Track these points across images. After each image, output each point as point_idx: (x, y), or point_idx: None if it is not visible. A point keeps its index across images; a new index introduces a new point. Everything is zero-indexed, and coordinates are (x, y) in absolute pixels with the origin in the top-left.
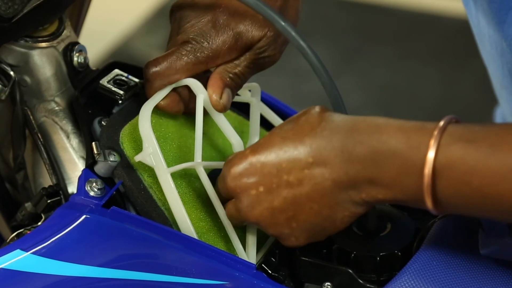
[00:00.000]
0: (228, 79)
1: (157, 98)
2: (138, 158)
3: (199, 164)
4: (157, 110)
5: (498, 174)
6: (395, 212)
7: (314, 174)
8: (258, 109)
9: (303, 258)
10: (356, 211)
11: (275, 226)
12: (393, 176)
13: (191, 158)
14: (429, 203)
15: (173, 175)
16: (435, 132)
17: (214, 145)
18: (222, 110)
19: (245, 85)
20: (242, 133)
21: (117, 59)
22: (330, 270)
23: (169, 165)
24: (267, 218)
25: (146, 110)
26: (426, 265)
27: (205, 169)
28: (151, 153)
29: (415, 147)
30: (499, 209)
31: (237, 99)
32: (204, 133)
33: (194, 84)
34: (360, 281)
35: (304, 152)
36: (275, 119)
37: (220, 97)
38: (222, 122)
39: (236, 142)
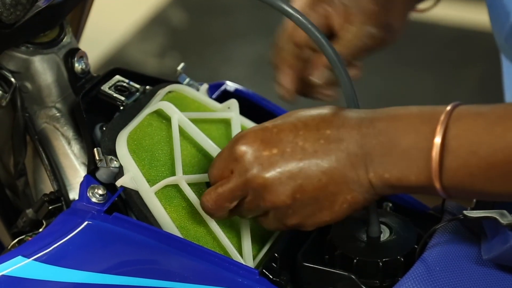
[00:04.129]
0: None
1: (133, 124)
2: (119, 183)
3: (181, 178)
4: (160, 113)
5: (505, 141)
6: (397, 217)
7: (329, 146)
8: (238, 123)
9: (306, 264)
10: (358, 198)
11: (280, 195)
12: (404, 150)
13: (191, 162)
14: (437, 184)
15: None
16: (448, 108)
17: (206, 154)
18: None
19: (225, 103)
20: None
21: (112, 66)
22: (332, 276)
23: (169, 169)
24: (275, 181)
25: (122, 136)
26: (428, 271)
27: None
28: (132, 177)
29: (428, 119)
30: (505, 181)
31: (217, 116)
32: (196, 143)
33: (167, 106)
34: (363, 286)
35: (322, 126)
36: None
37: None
38: (201, 137)
39: None
